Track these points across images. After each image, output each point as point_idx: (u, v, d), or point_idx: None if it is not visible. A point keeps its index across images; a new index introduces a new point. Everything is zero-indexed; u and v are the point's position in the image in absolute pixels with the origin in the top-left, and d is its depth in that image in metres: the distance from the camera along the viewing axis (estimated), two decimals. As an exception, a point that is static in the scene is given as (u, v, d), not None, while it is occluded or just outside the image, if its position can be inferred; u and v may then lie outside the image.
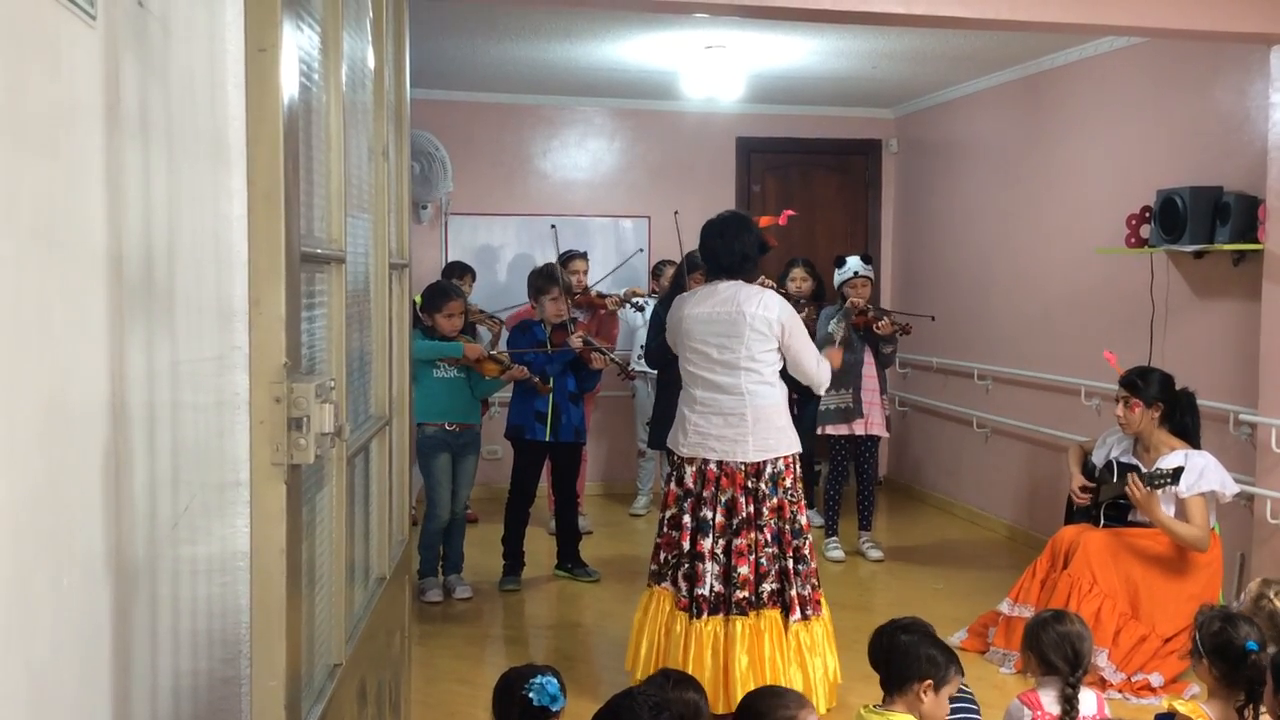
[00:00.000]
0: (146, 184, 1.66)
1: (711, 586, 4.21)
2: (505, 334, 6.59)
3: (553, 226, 7.69)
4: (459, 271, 7.18)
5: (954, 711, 3.11)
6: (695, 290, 4.53)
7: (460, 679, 4.77)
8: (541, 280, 6.04)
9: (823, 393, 4.69)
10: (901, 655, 2.95)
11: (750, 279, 4.42)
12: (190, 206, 1.85)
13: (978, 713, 3.23)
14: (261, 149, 1.81)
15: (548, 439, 5.94)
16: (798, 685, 4.05)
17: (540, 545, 6.49)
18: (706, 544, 4.22)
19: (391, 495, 3.18)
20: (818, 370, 4.41)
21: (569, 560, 6.17)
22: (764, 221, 4.56)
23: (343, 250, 2.44)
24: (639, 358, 7.11)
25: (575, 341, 5.92)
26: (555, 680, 2.65)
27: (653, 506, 7.67)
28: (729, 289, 4.32)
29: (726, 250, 4.35)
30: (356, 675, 2.58)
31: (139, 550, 1.64)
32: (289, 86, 1.86)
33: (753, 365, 4.26)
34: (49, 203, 1.34)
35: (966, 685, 3.24)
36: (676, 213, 6.44)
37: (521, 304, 6.91)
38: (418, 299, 5.82)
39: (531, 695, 2.63)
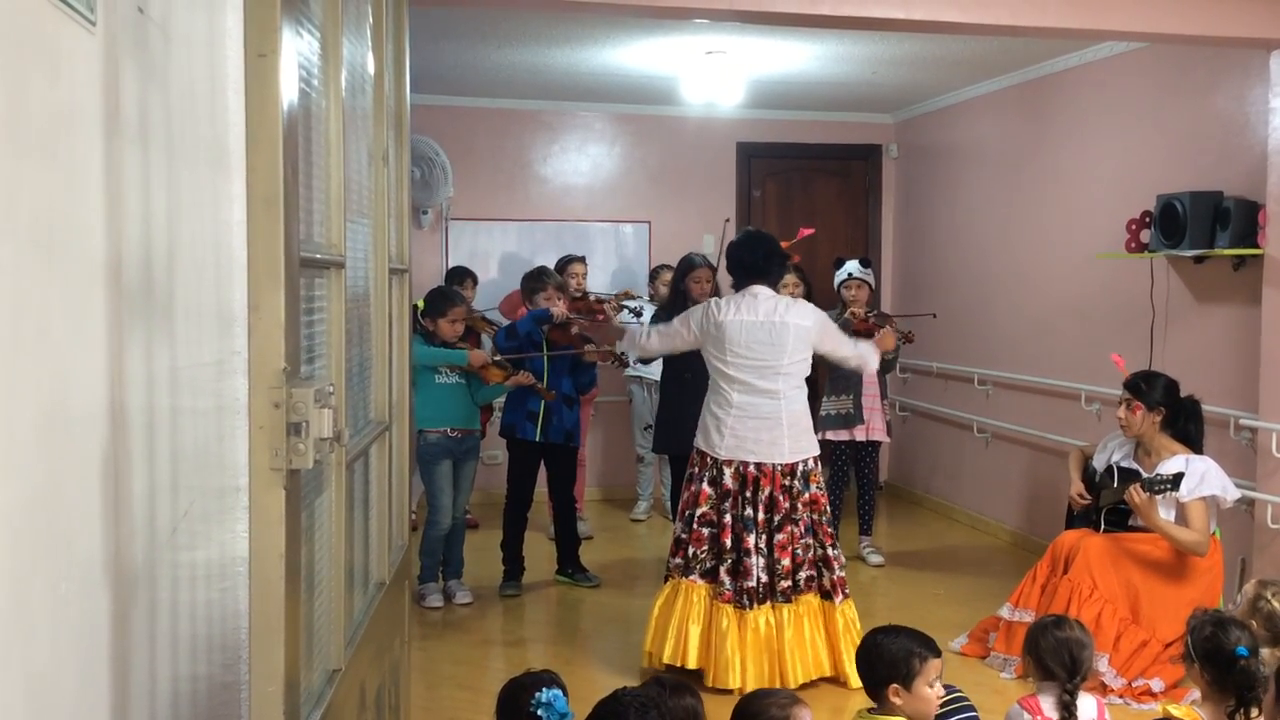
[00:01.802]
0: (146, 189, 1.66)
1: (759, 579, 4.51)
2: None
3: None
4: (461, 277, 7.19)
5: (954, 714, 3.11)
6: (731, 297, 4.71)
7: (460, 684, 4.76)
8: (534, 281, 6.05)
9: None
10: (865, 665, 3.00)
11: (776, 284, 4.78)
12: (190, 212, 1.85)
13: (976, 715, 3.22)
14: (261, 154, 1.82)
15: (538, 439, 5.93)
16: (848, 660, 4.47)
17: (540, 550, 6.49)
18: (751, 540, 4.52)
19: (391, 500, 3.18)
20: (859, 354, 4.81)
21: (569, 565, 6.17)
22: (785, 245, 4.88)
23: (342, 255, 2.44)
24: (635, 362, 7.12)
25: (557, 308, 5.84)
26: (561, 694, 2.61)
27: (653, 512, 7.67)
28: (769, 299, 4.62)
29: (751, 252, 4.67)
30: (356, 681, 2.58)
31: (138, 556, 1.64)
32: (289, 92, 1.86)
33: (791, 372, 4.57)
34: (48, 209, 1.35)
35: (962, 692, 3.23)
36: (728, 220, 6.46)
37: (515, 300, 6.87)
38: (419, 304, 5.82)
39: (540, 714, 2.58)
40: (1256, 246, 4.98)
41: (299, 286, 1.99)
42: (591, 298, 6.99)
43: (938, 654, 2.99)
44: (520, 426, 5.94)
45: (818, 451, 4.69)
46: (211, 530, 1.94)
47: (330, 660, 2.40)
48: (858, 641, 4.49)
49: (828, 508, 4.69)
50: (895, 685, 2.91)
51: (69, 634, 1.41)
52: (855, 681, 4.48)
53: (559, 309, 5.88)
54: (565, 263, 7.01)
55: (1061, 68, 6.54)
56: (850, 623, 4.63)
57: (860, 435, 6.53)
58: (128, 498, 1.59)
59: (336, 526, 2.43)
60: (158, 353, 1.71)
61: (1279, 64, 4.87)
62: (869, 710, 3.01)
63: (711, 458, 4.59)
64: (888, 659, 2.93)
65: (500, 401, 6.39)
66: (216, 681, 1.97)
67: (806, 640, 4.55)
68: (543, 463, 6.10)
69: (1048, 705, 3.09)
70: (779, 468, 4.53)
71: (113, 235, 1.53)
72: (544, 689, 2.60)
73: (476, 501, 7.56)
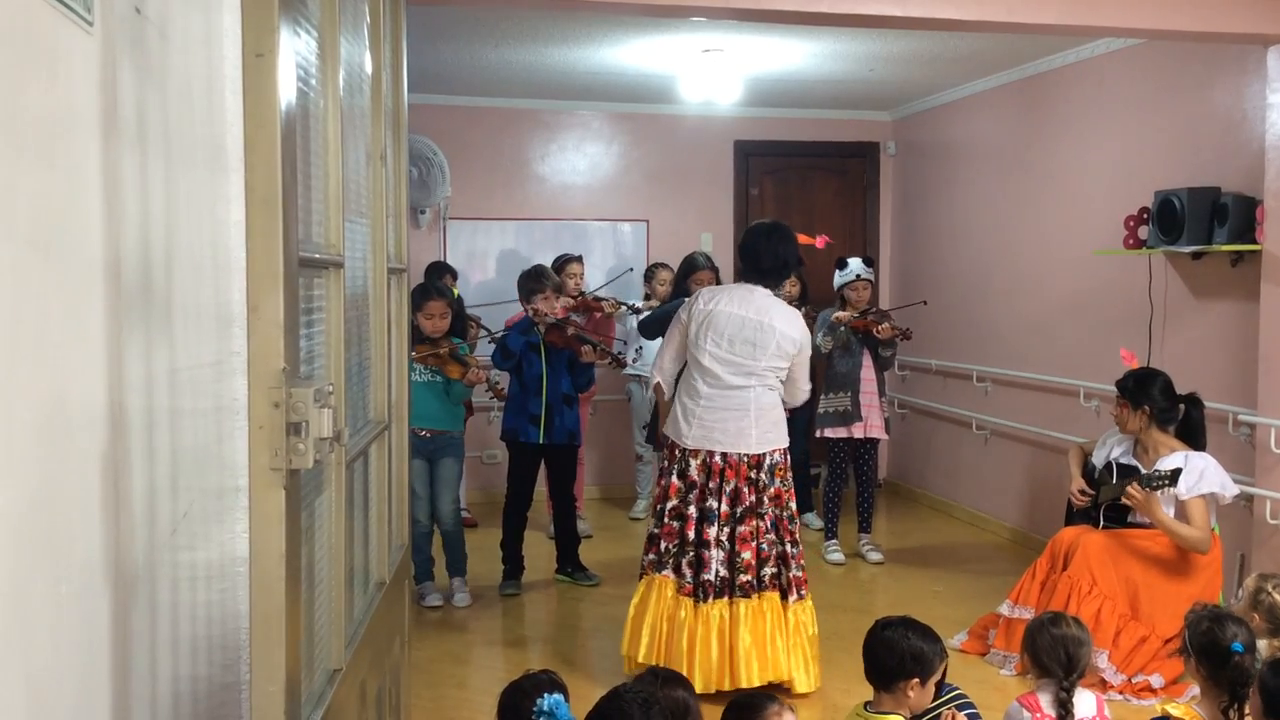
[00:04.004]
0: (144, 190, 1.66)
1: (717, 572, 4.44)
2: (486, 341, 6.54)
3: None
4: (439, 272, 7.12)
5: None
6: (726, 287, 4.65)
7: (460, 684, 4.77)
8: (531, 281, 5.98)
9: (794, 405, 4.81)
10: (886, 654, 2.98)
11: (778, 289, 4.68)
12: (188, 212, 1.85)
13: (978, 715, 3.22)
14: (259, 154, 1.81)
15: (541, 441, 5.92)
16: (797, 660, 4.47)
17: (540, 549, 6.48)
18: (712, 532, 4.45)
19: (391, 500, 3.18)
20: (804, 391, 4.70)
21: (569, 564, 6.16)
22: (803, 240, 4.83)
23: (341, 255, 2.44)
24: (633, 360, 7.12)
25: (537, 314, 5.82)
26: (563, 699, 2.59)
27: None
28: (764, 299, 4.55)
29: (771, 253, 4.59)
30: (356, 680, 2.58)
31: (138, 556, 1.64)
32: (286, 92, 1.86)
33: (766, 375, 4.51)
34: (47, 210, 1.34)
35: (961, 689, 3.24)
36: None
37: (513, 303, 6.84)
38: None
39: None
40: (1254, 242, 4.98)
41: (298, 286, 1.99)
42: (589, 297, 6.99)
43: (945, 650, 3.05)
44: (522, 430, 5.92)
45: (786, 444, 4.59)
46: (211, 531, 1.94)
47: (331, 660, 2.40)
48: (806, 646, 4.50)
49: (791, 503, 4.58)
50: (916, 680, 2.93)
51: (69, 634, 1.41)
52: (799, 687, 4.45)
53: (540, 314, 5.84)
54: (563, 262, 6.99)
55: (1059, 64, 6.54)
56: (801, 625, 4.51)
57: (858, 433, 6.53)
58: (127, 498, 1.59)
59: (336, 526, 2.43)
60: (157, 353, 1.71)
61: (1276, 59, 4.87)
62: (866, 707, 3.02)
63: (680, 448, 4.53)
64: (913, 654, 2.94)
65: (485, 402, 6.35)
66: (217, 682, 1.97)
67: (766, 639, 4.42)
68: (543, 462, 6.09)
69: (1046, 702, 3.10)
70: (745, 459, 4.45)
71: (111, 236, 1.53)
72: (545, 695, 2.58)
73: (476, 501, 7.57)
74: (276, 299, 1.82)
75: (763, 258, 4.57)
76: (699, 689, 4.24)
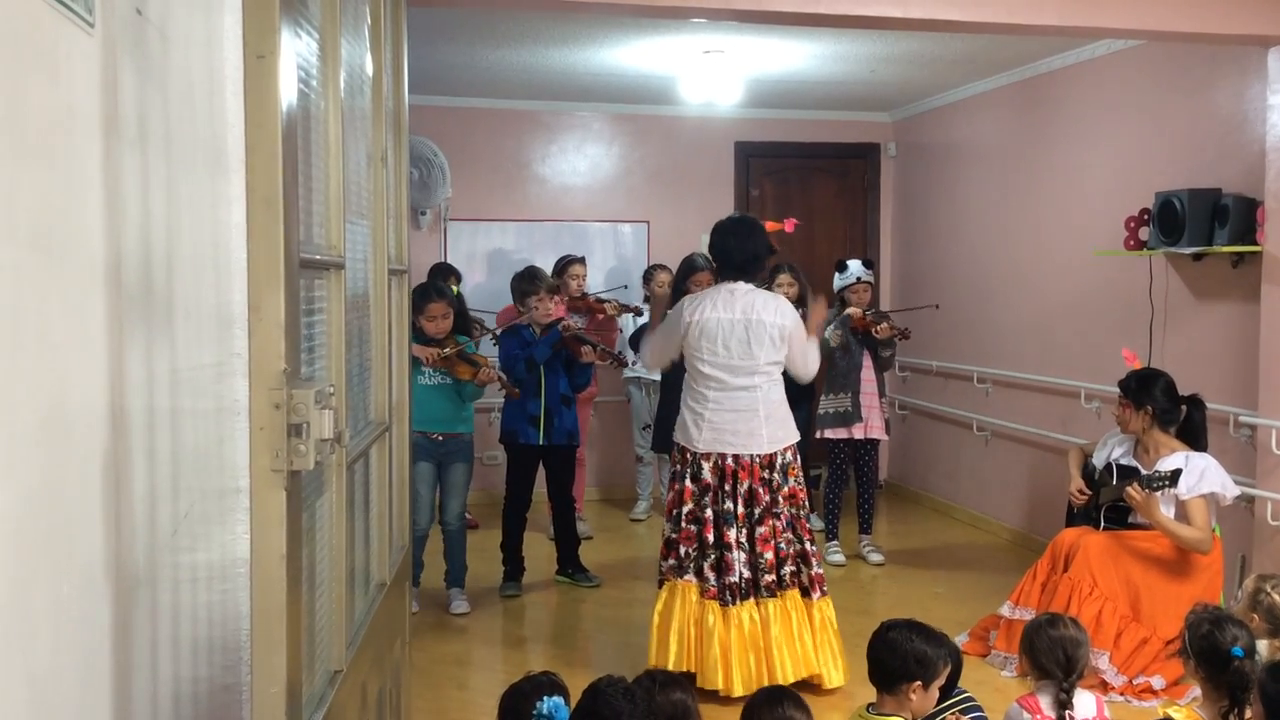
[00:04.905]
0: (145, 191, 1.66)
1: (741, 574, 4.46)
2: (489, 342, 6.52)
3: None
4: (443, 274, 7.10)
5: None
6: (707, 293, 4.64)
7: (460, 685, 4.77)
8: (525, 282, 5.96)
9: (809, 379, 4.91)
10: (889, 656, 2.97)
11: (758, 281, 4.69)
12: (189, 213, 1.85)
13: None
14: (260, 155, 1.81)
15: (540, 442, 5.91)
16: (826, 655, 4.54)
17: (540, 551, 6.48)
18: (732, 534, 4.47)
19: (391, 501, 3.17)
20: (809, 365, 4.72)
21: (569, 565, 6.16)
22: (770, 227, 4.80)
23: (342, 256, 2.44)
24: (634, 363, 7.10)
25: (553, 307, 5.83)
26: (563, 701, 2.58)
27: (653, 511, 7.67)
28: (746, 295, 4.55)
29: (740, 249, 4.60)
30: (357, 682, 2.58)
31: (139, 558, 1.64)
32: (287, 93, 1.86)
33: (767, 369, 4.53)
34: (48, 211, 1.34)
35: (972, 696, 3.23)
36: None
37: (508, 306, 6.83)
38: None
39: None
40: (1255, 243, 4.98)
41: (299, 288, 1.99)
42: (591, 298, 6.98)
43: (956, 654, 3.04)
44: (522, 432, 5.92)
45: (797, 439, 4.64)
46: (212, 532, 1.94)
47: (331, 662, 2.40)
48: (833, 641, 4.55)
49: (806, 502, 4.65)
50: (918, 683, 2.92)
51: (70, 636, 1.41)
52: (829, 682, 4.51)
53: (569, 328, 5.85)
54: (565, 264, 6.98)
55: (1059, 65, 6.54)
56: (827, 621, 4.57)
57: (859, 433, 6.53)
58: (128, 500, 1.59)
59: (337, 527, 2.43)
60: (158, 354, 1.71)
61: (1276, 61, 4.87)
62: (869, 709, 3.01)
63: (691, 452, 4.54)
64: (916, 656, 2.92)
65: (489, 402, 6.32)
66: (218, 683, 1.96)
67: (795, 636, 4.48)
68: (542, 463, 6.08)
69: (1046, 704, 3.10)
70: (757, 459, 4.48)
71: (112, 237, 1.53)
72: (545, 697, 2.57)
73: (476, 501, 7.56)
74: (277, 300, 1.82)
75: (734, 254, 4.60)
76: (739, 693, 4.28)
